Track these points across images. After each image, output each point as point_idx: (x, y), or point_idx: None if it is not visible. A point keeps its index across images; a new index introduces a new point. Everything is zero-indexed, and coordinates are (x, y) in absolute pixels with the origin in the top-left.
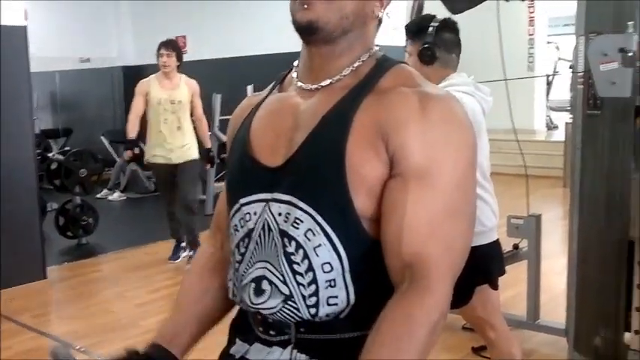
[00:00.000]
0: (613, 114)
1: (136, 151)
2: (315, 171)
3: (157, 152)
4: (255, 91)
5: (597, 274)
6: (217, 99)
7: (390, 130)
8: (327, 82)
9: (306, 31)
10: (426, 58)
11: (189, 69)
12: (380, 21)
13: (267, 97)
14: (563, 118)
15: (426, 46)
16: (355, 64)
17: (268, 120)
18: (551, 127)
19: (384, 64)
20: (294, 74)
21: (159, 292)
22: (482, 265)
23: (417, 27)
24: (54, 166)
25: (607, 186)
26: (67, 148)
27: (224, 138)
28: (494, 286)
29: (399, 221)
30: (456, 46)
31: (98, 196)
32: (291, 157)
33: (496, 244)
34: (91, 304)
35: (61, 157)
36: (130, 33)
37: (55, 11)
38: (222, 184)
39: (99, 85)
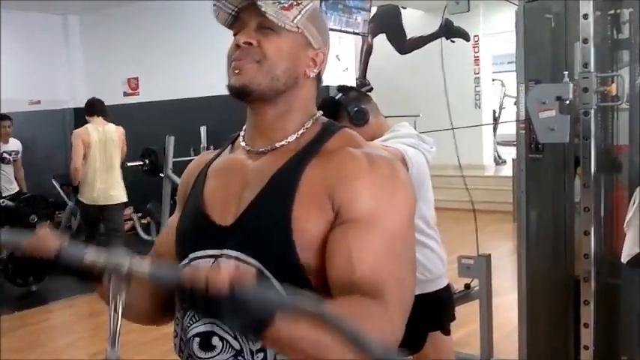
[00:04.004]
0: (555, 156)
1: None
2: (263, 229)
3: None
4: (208, 133)
5: (546, 312)
6: (170, 141)
7: (338, 186)
8: (274, 146)
9: (240, 94)
10: (361, 119)
11: (141, 111)
12: (319, 81)
13: (218, 155)
14: (511, 153)
15: (356, 109)
16: (300, 132)
17: (220, 179)
18: (499, 162)
19: (330, 128)
20: (241, 139)
21: None
22: (433, 312)
23: (333, 105)
24: (4, 212)
25: (552, 226)
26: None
27: (178, 180)
28: (446, 332)
29: (346, 256)
30: (365, 95)
31: None
32: (240, 215)
33: (446, 290)
34: (42, 355)
35: (10, 202)
36: (82, 75)
37: (4, 53)
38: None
39: (50, 127)
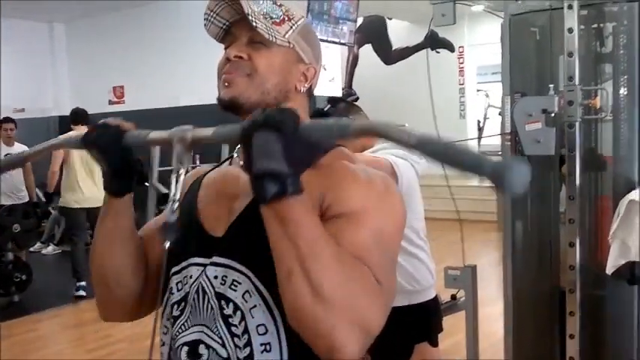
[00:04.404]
0: (540, 168)
1: None
2: (253, 235)
3: None
4: None
5: (532, 322)
6: (156, 150)
7: (331, 189)
8: None
9: (229, 107)
10: None
11: (127, 119)
12: (311, 96)
13: (215, 167)
14: None
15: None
16: None
17: (213, 190)
18: None
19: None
20: (236, 153)
21: (98, 351)
22: (421, 323)
23: (321, 117)
24: None
25: (537, 237)
26: None
27: (163, 189)
28: (434, 343)
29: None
30: (354, 106)
31: (31, 249)
32: (231, 224)
33: (434, 301)
34: None
35: None
36: (67, 83)
37: None
38: None
39: (34, 135)
